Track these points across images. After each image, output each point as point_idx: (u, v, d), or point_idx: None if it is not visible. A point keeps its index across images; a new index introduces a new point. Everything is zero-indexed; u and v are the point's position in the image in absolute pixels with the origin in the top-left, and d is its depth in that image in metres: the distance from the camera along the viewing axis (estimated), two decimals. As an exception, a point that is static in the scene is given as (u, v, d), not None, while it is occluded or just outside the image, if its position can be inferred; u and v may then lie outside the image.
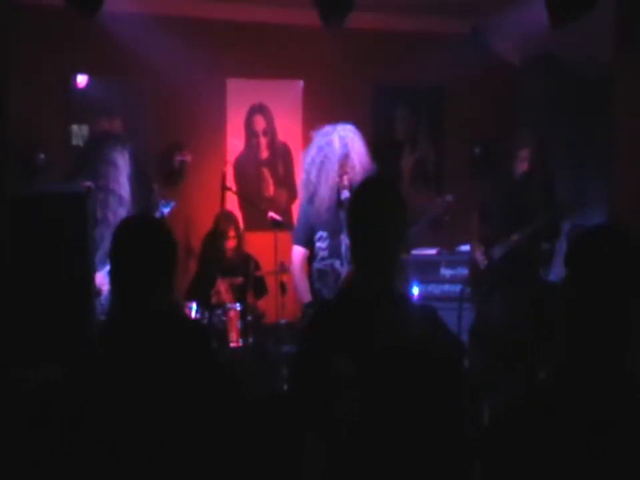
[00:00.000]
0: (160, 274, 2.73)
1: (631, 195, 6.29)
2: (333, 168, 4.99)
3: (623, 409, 2.12)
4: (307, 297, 5.13)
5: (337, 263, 5.04)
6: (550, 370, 2.33)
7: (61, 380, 2.71)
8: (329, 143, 5.03)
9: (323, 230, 5.09)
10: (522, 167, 5.89)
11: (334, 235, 5.05)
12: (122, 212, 5.00)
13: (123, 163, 5.15)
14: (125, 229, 2.85)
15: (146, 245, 2.73)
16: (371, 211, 2.76)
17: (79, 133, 7.42)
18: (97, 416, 2.57)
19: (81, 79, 7.49)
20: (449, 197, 6.49)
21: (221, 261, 6.98)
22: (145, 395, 2.60)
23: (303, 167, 5.19)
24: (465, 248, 6.74)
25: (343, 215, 4.89)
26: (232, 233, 7.08)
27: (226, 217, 7.13)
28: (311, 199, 5.11)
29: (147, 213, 5.20)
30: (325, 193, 5.01)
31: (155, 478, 2.59)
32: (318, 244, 5.11)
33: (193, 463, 2.61)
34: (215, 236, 6.99)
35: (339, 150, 5.00)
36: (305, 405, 2.66)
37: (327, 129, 5.11)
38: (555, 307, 2.31)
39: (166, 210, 5.42)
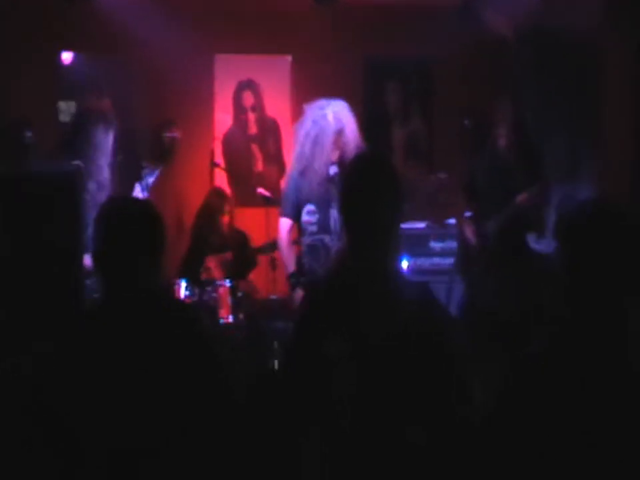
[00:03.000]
0: (147, 254, 2.71)
1: (620, 166, 6.30)
2: (328, 141, 4.96)
3: (621, 372, 2.14)
4: (292, 267, 5.13)
5: (327, 239, 5.02)
6: (543, 342, 2.34)
7: (49, 359, 2.69)
8: (324, 117, 4.98)
9: (311, 203, 5.04)
10: (501, 141, 5.87)
11: (322, 209, 5.02)
12: (100, 196, 4.89)
13: (105, 144, 5.00)
14: (109, 210, 2.83)
15: (131, 226, 2.70)
16: (364, 187, 2.72)
17: (67, 109, 7.37)
18: (83, 395, 2.57)
19: (66, 56, 7.43)
20: (442, 175, 6.46)
21: (214, 237, 6.95)
22: (131, 375, 2.59)
23: (297, 139, 5.11)
24: (453, 221, 6.72)
25: (332, 189, 4.87)
26: (227, 208, 7.04)
27: (219, 193, 7.11)
28: (302, 171, 5.05)
29: (131, 194, 5.10)
30: (318, 166, 4.97)
31: (141, 458, 2.59)
32: (307, 218, 5.06)
33: (180, 445, 2.61)
34: (210, 212, 6.96)
35: (334, 124, 4.96)
36: (299, 385, 2.65)
37: (321, 102, 5.06)
38: (547, 282, 2.32)
39: (151, 179, 5.27)
